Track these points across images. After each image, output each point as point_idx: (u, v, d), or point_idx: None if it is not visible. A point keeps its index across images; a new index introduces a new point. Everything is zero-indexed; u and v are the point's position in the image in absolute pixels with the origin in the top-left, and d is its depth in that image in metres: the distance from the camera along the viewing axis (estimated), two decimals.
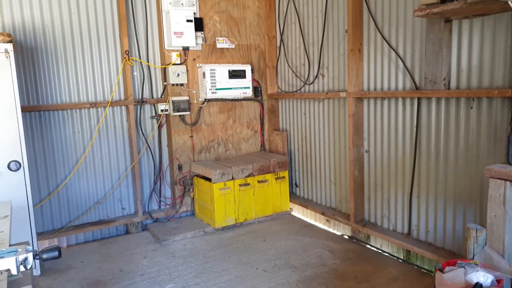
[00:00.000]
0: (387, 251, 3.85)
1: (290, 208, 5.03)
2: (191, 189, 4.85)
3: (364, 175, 4.08)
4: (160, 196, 4.85)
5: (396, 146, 3.68)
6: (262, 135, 5.37)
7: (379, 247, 3.96)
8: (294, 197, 5.16)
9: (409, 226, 3.64)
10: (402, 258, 3.71)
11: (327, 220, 4.66)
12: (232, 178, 4.51)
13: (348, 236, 4.26)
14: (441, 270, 2.13)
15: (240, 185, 4.56)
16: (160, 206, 4.87)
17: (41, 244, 4.15)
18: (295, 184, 5.22)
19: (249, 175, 4.61)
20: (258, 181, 4.69)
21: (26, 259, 1.31)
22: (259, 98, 5.27)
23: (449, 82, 3.11)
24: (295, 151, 5.13)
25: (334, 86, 4.35)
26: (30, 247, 1.35)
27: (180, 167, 4.81)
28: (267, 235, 4.34)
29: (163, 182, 4.85)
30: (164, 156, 4.84)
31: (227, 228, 4.55)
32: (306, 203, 4.91)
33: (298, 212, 5.09)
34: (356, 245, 4.00)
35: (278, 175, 4.84)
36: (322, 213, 4.57)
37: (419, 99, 3.39)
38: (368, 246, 4.00)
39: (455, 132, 3.14)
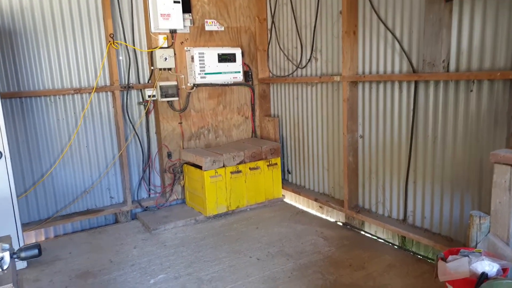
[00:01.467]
0: (382, 238, 3.81)
1: (283, 195, 4.95)
2: (181, 177, 4.72)
3: (359, 161, 4.00)
4: (149, 185, 4.72)
5: (392, 131, 3.60)
6: (253, 121, 5.25)
7: (374, 234, 3.91)
8: (286, 183, 5.08)
9: (405, 212, 3.59)
10: (397, 244, 3.66)
11: (320, 207, 4.59)
12: (223, 166, 4.39)
13: (342, 222, 4.20)
14: (444, 259, 2.06)
15: (231, 172, 4.45)
16: (149, 195, 4.74)
17: (27, 235, 4.01)
18: (288, 170, 5.13)
19: (240, 162, 4.50)
20: (250, 168, 4.58)
21: (2, 258, 1.18)
22: (250, 83, 5.13)
23: (448, 64, 3.02)
24: (287, 137, 5.02)
25: (327, 70, 4.23)
26: (6, 245, 1.22)
27: (169, 155, 4.68)
28: (260, 222, 4.26)
29: (152, 170, 4.71)
30: (153, 143, 4.70)
31: (218, 216, 4.45)
32: (298, 189, 4.83)
33: (291, 198, 5.01)
34: (351, 232, 3.94)
35: (270, 162, 4.74)
36: (315, 200, 4.50)
37: (416, 82, 3.30)
38: (362, 232, 3.94)
39: (454, 116, 3.06)
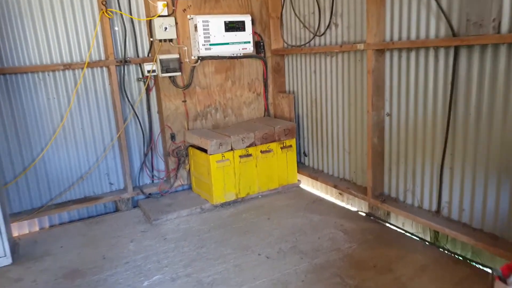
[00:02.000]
0: (411, 232, 3.30)
1: (298, 180, 4.47)
2: (186, 161, 4.30)
3: (385, 143, 3.47)
4: (152, 170, 4.32)
5: (425, 108, 3.04)
6: (266, 98, 4.74)
7: (401, 227, 3.41)
8: (302, 167, 4.59)
9: (439, 202, 3.06)
10: (429, 240, 3.16)
11: (340, 194, 4.10)
12: (232, 149, 3.93)
13: (364, 212, 3.71)
14: (503, 279, 1.56)
15: (240, 156, 3.99)
16: (153, 180, 4.35)
17: (19, 225, 3.70)
18: (304, 153, 4.64)
19: (250, 145, 4.03)
20: (262, 151, 4.11)
21: None
22: (262, 54, 4.60)
23: (499, 24, 2.43)
24: (304, 116, 4.51)
25: (349, 37, 3.66)
26: None
27: (173, 137, 4.25)
28: (272, 212, 3.81)
29: (155, 154, 4.30)
30: (155, 124, 4.27)
31: (227, 204, 4.03)
32: (316, 174, 4.34)
33: (307, 184, 4.54)
34: (374, 224, 3.45)
35: (284, 144, 4.25)
36: (334, 186, 4.01)
37: (456, 48, 2.71)
38: (388, 225, 3.45)
39: (505, 88, 2.48)
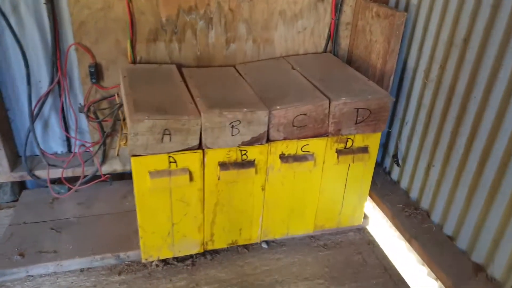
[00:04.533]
0: None
1: (367, 217, 1.98)
2: (122, 130, 1.93)
3: None
4: (66, 127, 2.07)
5: None
6: (337, 9, 2.01)
7: None
8: (382, 188, 2.04)
9: None
10: None
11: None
12: (201, 145, 1.49)
13: None
14: None
15: (222, 165, 1.54)
16: (70, 149, 2.14)
17: None
18: (395, 159, 2.03)
19: (255, 140, 1.54)
20: (284, 157, 1.61)
21: None
22: None
23: None
24: (419, 77, 1.80)
25: None
26: None
27: (94, 74, 1.85)
28: None
29: (72, 97, 2.00)
30: (67, 35, 1.87)
31: (180, 261, 1.75)
32: (412, 215, 1.80)
33: (380, 221, 2.02)
34: None
35: (350, 144, 1.68)
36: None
37: None
38: None
39: None
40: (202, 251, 1.74)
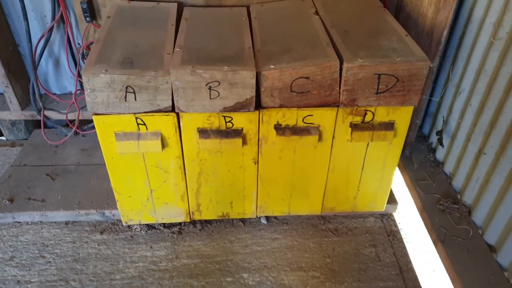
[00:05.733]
0: None
1: (396, 201, 1.63)
2: None
3: None
4: (77, 68, 1.95)
5: None
6: None
7: None
8: (424, 166, 1.64)
9: None
10: None
11: None
12: (172, 109, 1.25)
13: None
14: None
15: (201, 132, 1.30)
16: (80, 91, 2.04)
17: None
18: (439, 137, 1.59)
19: (243, 106, 1.25)
20: (279, 127, 1.31)
21: None
22: None
23: None
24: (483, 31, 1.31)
25: None
26: None
27: (87, 11, 1.64)
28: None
29: (73, 36, 1.84)
30: None
31: (167, 227, 1.60)
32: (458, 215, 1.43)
33: (412, 210, 1.66)
34: None
35: (374, 118, 1.31)
36: None
37: None
38: None
39: None
40: (188, 220, 1.57)
